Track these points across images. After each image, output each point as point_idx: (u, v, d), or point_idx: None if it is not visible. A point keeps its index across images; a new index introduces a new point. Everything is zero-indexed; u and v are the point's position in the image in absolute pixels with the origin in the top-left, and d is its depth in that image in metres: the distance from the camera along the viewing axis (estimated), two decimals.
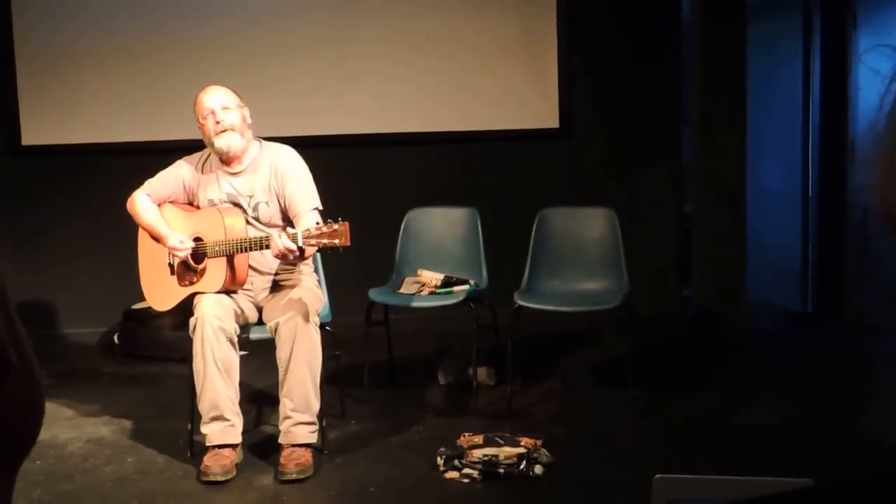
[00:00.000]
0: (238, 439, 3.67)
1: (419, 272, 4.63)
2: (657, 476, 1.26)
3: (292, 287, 3.81)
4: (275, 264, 3.81)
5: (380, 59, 5.73)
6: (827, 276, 5.98)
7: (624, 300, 4.26)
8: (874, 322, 5.49)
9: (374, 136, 5.76)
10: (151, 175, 3.94)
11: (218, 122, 3.73)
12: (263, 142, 3.89)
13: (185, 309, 3.74)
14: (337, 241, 3.31)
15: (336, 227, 3.33)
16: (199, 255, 3.77)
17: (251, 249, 3.60)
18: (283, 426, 3.65)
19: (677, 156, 5.94)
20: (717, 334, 5.44)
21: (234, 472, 3.60)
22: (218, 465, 3.57)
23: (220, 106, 3.75)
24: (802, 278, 6.12)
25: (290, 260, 3.57)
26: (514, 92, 5.75)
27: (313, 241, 3.35)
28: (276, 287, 3.86)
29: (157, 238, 3.83)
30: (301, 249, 3.38)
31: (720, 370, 4.96)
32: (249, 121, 3.83)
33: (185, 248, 3.75)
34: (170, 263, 3.85)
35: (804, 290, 6.12)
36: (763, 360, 5.19)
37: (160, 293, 3.92)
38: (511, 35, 5.75)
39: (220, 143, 3.73)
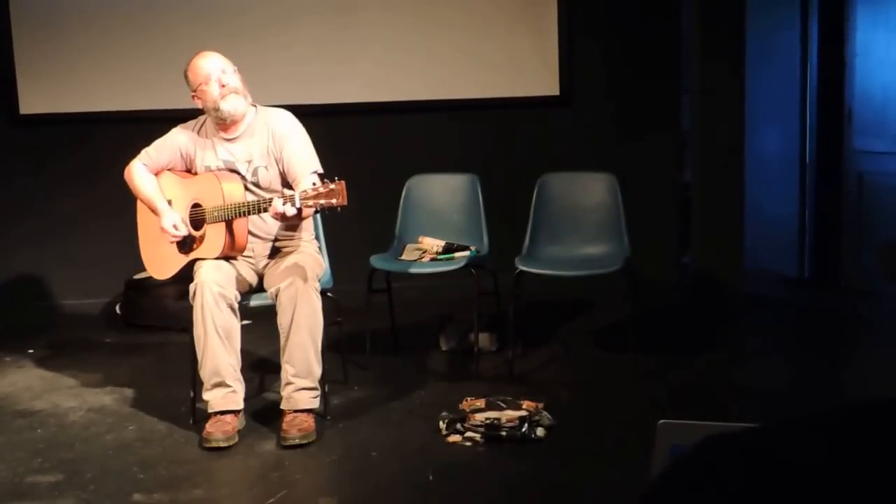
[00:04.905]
0: (240, 405, 3.66)
1: (420, 239, 4.62)
2: (661, 421, 1.25)
3: (292, 253, 3.79)
4: (275, 230, 3.79)
5: (379, 27, 5.68)
6: (823, 242, 5.99)
7: (625, 264, 4.26)
8: (868, 286, 5.51)
9: (375, 105, 5.71)
10: (150, 143, 3.91)
11: (224, 85, 3.68)
12: (259, 106, 3.85)
13: (188, 278, 3.70)
14: (334, 201, 3.29)
15: (333, 186, 3.30)
16: (198, 221, 3.74)
17: (250, 213, 3.58)
18: (285, 392, 3.64)
19: (677, 123, 5.92)
20: (715, 300, 5.45)
21: (237, 439, 3.60)
22: (220, 431, 3.56)
23: (221, 70, 3.72)
24: (799, 244, 6.13)
25: (289, 222, 3.54)
26: (514, 59, 5.71)
27: (310, 202, 3.33)
28: (276, 253, 3.84)
29: (153, 211, 3.81)
30: (299, 210, 3.36)
31: (719, 334, 4.97)
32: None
33: (178, 233, 3.72)
34: None
35: (801, 256, 6.12)
36: (760, 325, 5.21)
37: (160, 262, 3.90)
38: (511, 2, 5.71)
39: (228, 105, 3.68)
